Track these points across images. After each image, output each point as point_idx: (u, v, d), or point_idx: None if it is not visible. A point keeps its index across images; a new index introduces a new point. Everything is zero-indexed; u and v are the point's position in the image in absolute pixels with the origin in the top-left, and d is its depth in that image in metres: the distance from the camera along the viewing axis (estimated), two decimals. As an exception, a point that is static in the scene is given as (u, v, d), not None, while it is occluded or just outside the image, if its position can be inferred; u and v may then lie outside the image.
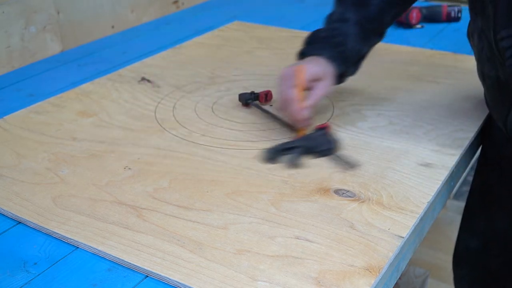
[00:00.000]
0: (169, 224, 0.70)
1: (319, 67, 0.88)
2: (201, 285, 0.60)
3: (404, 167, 0.81)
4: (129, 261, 0.64)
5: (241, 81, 1.13)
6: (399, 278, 0.91)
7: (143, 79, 1.14)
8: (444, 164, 0.81)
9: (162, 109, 1.01)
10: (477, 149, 0.99)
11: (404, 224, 0.69)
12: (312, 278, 0.61)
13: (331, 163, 0.82)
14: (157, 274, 0.62)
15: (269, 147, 0.85)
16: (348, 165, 0.81)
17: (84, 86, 1.12)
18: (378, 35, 0.94)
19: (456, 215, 1.82)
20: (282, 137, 0.90)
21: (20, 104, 1.05)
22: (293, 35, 1.38)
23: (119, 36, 1.45)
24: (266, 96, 1.01)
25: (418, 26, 1.44)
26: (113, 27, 1.46)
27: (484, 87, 0.90)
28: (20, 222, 0.73)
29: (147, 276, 0.63)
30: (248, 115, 0.99)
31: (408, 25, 1.43)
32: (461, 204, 1.56)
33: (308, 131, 0.88)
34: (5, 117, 0.99)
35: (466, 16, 1.45)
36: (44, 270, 0.65)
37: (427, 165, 0.81)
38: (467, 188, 1.21)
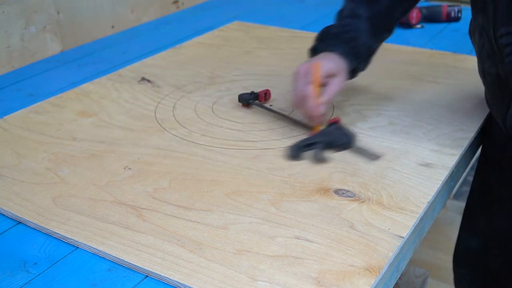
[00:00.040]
0: (169, 224, 0.70)
1: (333, 63, 0.88)
2: (201, 285, 0.60)
3: (404, 167, 0.81)
4: (129, 261, 0.64)
5: (241, 81, 1.13)
6: (399, 278, 0.91)
7: (143, 79, 1.14)
8: (444, 164, 0.81)
9: (162, 109, 1.01)
10: (477, 149, 0.99)
11: (404, 224, 0.69)
12: (312, 278, 0.61)
13: (355, 156, 0.83)
14: (157, 274, 0.62)
15: (290, 145, 0.86)
16: (373, 156, 0.82)
17: (84, 86, 1.11)
18: (387, 31, 0.95)
19: (456, 215, 1.81)
20: (282, 137, 0.90)
21: (20, 104, 1.05)
22: (293, 35, 1.38)
23: (119, 36, 1.45)
24: (265, 95, 1.02)
25: (418, 26, 1.44)
26: (113, 27, 1.46)
27: (484, 84, 0.90)
28: (20, 222, 0.73)
29: (147, 276, 0.63)
30: (248, 115, 0.99)
31: (408, 25, 1.43)
32: (461, 204, 1.56)
33: (322, 126, 0.89)
34: (5, 117, 0.99)
35: (466, 16, 1.46)
36: (44, 270, 0.65)
37: (427, 165, 0.81)
38: (467, 188, 1.21)
